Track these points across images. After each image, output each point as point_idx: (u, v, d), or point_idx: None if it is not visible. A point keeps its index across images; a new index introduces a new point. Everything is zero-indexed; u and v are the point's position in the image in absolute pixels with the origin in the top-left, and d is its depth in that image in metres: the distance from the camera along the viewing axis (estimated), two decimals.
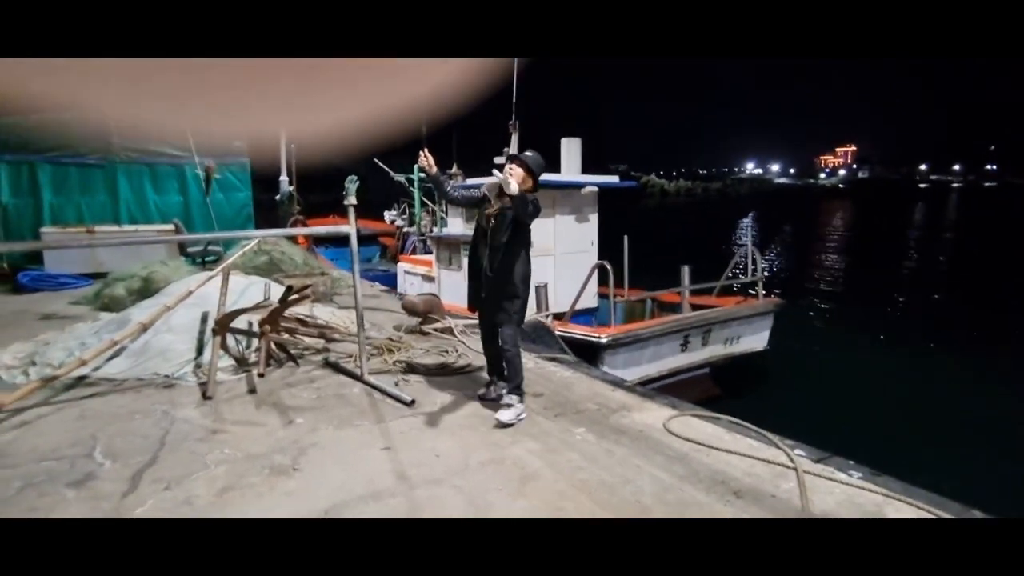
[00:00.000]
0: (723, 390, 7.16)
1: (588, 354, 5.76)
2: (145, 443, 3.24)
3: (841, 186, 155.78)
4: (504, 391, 3.68)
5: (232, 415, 3.64)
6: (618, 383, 4.35)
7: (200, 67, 0.40)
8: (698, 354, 6.87)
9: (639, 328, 6.32)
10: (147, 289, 6.33)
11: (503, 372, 3.81)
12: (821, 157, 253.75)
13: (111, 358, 4.39)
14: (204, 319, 4.71)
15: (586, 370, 4.69)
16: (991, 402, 7.30)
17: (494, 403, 3.79)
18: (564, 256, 7.99)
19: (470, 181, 8.31)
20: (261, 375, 4.18)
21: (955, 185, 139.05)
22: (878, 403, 7.32)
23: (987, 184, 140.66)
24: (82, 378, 4.19)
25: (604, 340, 5.92)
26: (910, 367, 8.86)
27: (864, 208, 53.82)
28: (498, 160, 11.71)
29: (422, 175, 10.96)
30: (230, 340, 4.54)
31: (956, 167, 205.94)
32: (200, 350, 4.49)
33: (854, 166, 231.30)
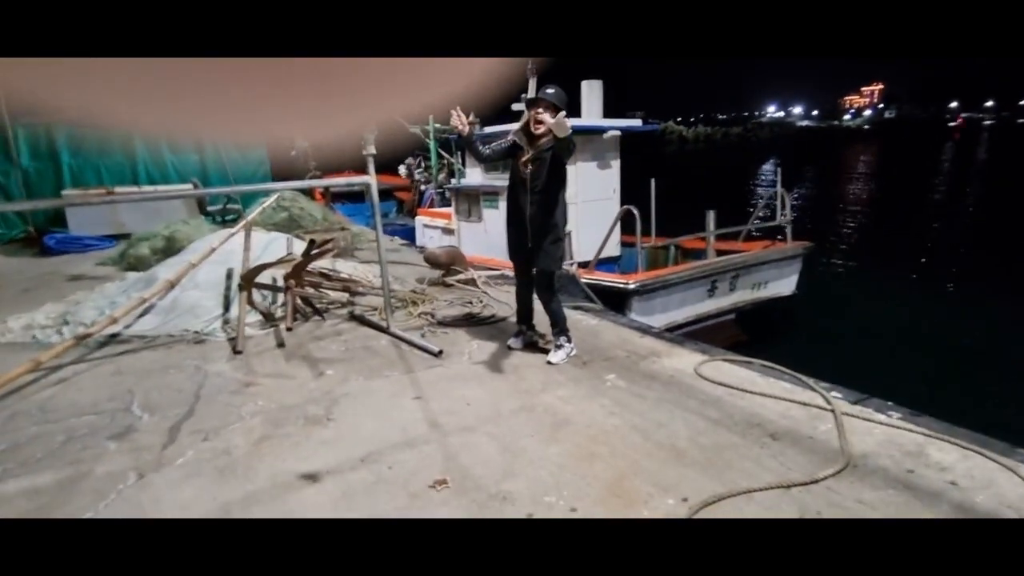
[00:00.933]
0: (750, 335, 7.09)
1: (615, 301, 5.70)
2: (180, 396, 3.28)
3: (867, 127, 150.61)
4: (553, 335, 3.74)
5: (263, 368, 3.68)
6: (646, 329, 4.30)
7: (217, 69, 0.35)
8: (726, 299, 6.77)
9: (667, 274, 6.22)
10: (171, 248, 6.36)
11: (529, 318, 3.83)
12: (846, 98, 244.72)
13: (141, 315, 4.43)
14: (229, 275, 4.72)
15: (613, 318, 4.64)
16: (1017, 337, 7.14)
17: (524, 351, 3.80)
18: (586, 204, 7.83)
19: (488, 129, 8.12)
20: (289, 329, 4.20)
21: (987, 123, 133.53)
22: (913, 345, 7.20)
23: (1021, 120, 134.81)
24: (114, 335, 4.25)
25: (632, 286, 5.84)
26: (941, 308, 8.67)
27: (889, 150, 52.01)
28: (516, 107, 11.41)
29: (439, 127, 10.72)
30: (256, 295, 4.55)
31: (989, 103, 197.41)
32: (227, 306, 4.52)
33: (880, 105, 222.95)
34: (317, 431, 2.84)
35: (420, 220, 10.29)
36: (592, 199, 7.90)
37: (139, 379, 3.55)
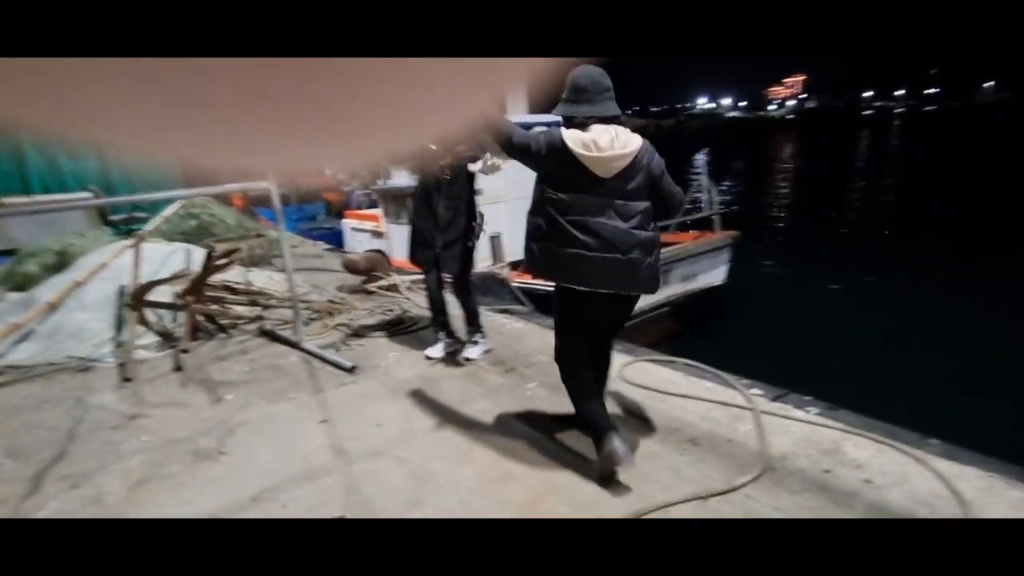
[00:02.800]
0: (684, 326, 7.14)
1: (547, 302, 5.58)
2: (52, 436, 2.92)
3: (790, 116, 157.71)
4: (470, 332, 3.74)
5: (154, 396, 3.34)
6: None
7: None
8: (660, 292, 6.75)
9: None
10: (63, 264, 5.78)
11: (446, 324, 3.75)
12: (771, 89, 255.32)
13: (18, 343, 3.98)
14: (121, 293, 4.31)
15: (539, 320, 4.50)
16: (941, 326, 7.47)
17: (443, 361, 3.63)
18: (517, 202, 7.68)
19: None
20: (185, 351, 3.86)
21: (897, 111, 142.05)
22: (835, 332, 7.41)
23: (927, 108, 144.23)
24: None
25: None
26: (863, 295, 9.00)
27: (810, 139, 54.53)
28: None
29: None
30: (152, 315, 4.17)
31: (899, 92, 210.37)
32: (119, 328, 4.12)
33: (804, 96, 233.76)
34: (206, 468, 2.56)
35: (347, 223, 9.91)
36: (522, 196, 7.70)
37: (6, 418, 3.15)
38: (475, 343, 3.72)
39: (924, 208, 16.20)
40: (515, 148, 2.35)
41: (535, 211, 2.42)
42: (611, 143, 2.27)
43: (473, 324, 3.73)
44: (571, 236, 2.27)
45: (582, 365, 2.48)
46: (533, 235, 2.40)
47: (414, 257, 3.69)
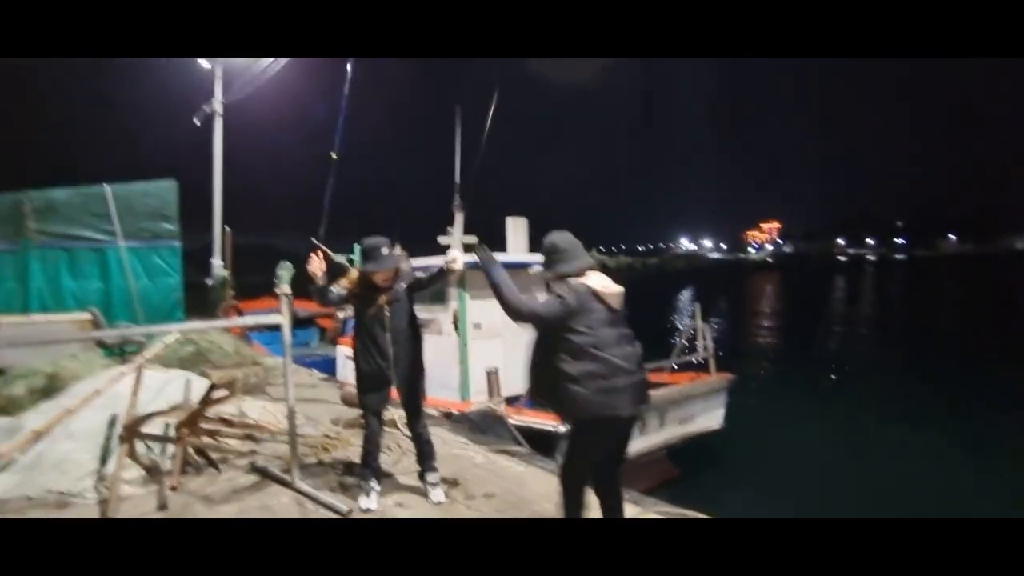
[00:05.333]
0: (681, 470, 6.94)
1: (543, 443, 5.46)
2: None
3: (769, 260, 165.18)
4: (428, 471, 3.65)
5: None
6: None
7: None
8: (657, 436, 6.66)
9: None
10: (53, 387, 5.65)
11: (379, 469, 3.67)
12: (749, 233, 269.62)
13: None
14: (113, 423, 4.18)
15: (540, 463, 4.39)
16: (935, 465, 7.38)
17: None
18: (513, 338, 7.78)
19: (415, 262, 8.11)
20: (174, 488, 3.67)
21: (869, 258, 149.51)
22: (836, 474, 7.26)
23: (897, 256, 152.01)
24: None
25: (562, 429, 5.64)
26: (859, 435, 8.94)
27: (790, 282, 56.72)
28: (442, 240, 11.63)
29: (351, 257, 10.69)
30: (141, 447, 4.02)
31: (869, 240, 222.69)
32: (105, 460, 3.94)
33: (780, 241, 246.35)
34: None
35: (341, 350, 9.89)
36: (519, 332, 7.85)
37: None
38: (435, 484, 3.63)
39: (904, 345, 16.57)
40: (532, 317, 2.62)
41: (556, 359, 2.55)
42: (609, 281, 2.66)
43: (432, 459, 3.65)
44: (605, 369, 2.48)
45: (586, 487, 2.66)
46: (565, 379, 2.50)
47: (366, 403, 3.55)
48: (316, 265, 3.44)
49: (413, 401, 3.56)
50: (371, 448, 3.55)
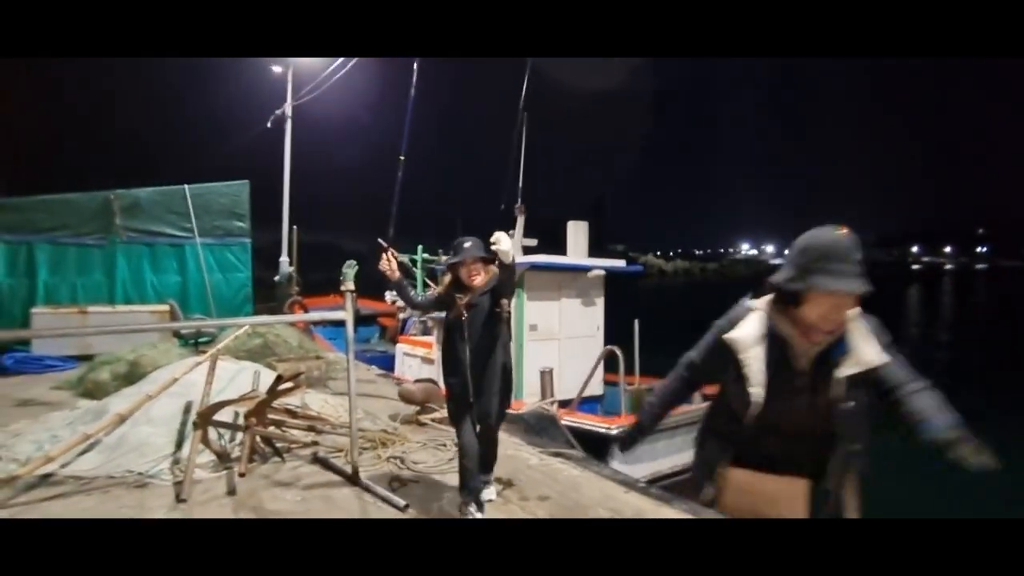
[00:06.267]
0: None
1: (596, 446, 5.41)
2: None
3: None
4: (485, 473, 3.49)
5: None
6: (631, 484, 4.00)
7: None
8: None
9: None
10: (133, 373, 6.05)
11: (469, 483, 3.27)
12: None
13: (83, 453, 4.06)
14: (187, 409, 4.42)
15: (596, 468, 4.34)
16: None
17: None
18: (569, 341, 7.76)
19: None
20: (242, 474, 3.84)
21: (948, 267, 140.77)
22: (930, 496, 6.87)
23: (978, 267, 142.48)
24: (48, 476, 3.85)
25: (615, 431, 5.58)
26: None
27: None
28: (496, 246, 11.66)
29: (427, 256, 10.87)
30: (212, 433, 4.22)
31: (947, 249, 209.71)
32: (180, 444, 4.17)
33: None
34: None
35: (400, 348, 10.11)
36: (576, 335, 7.84)
37: None
38: (488, 483, 3.58)
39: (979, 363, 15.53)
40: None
41: None
42: None
43: (491, 468, 3.55)
44: None
45: None
46: None
47: (452, 415, 3.33)
48: (385, 264, 3.31)
49: (484, 420, 3.24)
50: (466, 464, 3.23)
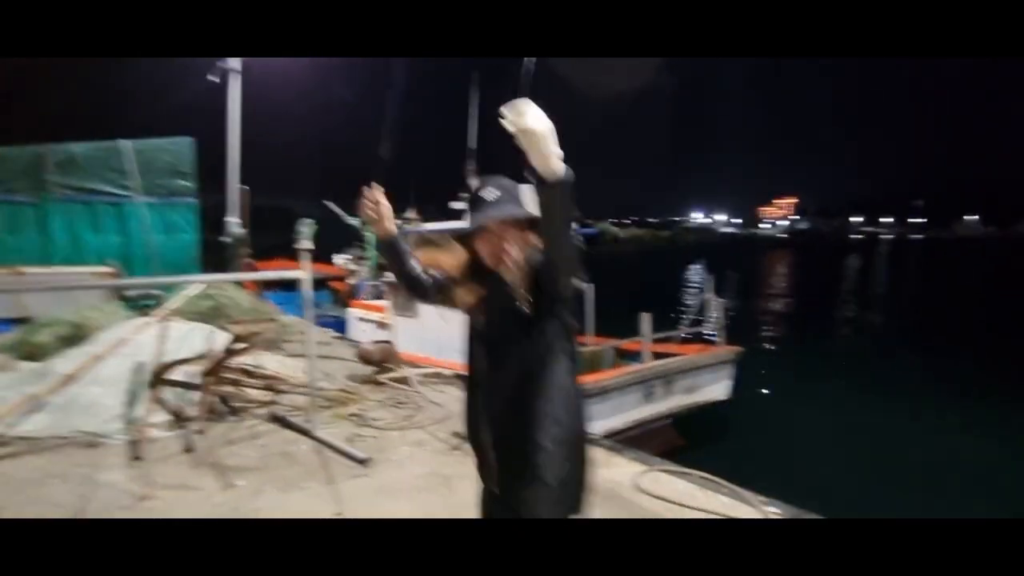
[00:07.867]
0: (688, 440, 7.07)
1: None
2: (58, 513, 2.86)
3: (782, 236, 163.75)
4: None
5: (164, 478, 3.29)
6: None
7: None
8: (663, 404, 6.77)
9: (603, 379, 6.19)
10: (77, 336, 5.83)
11: None
12: (763, 208, 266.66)
13: (28, 414, 3.95)
14: (138, 370, 4.34)
15: None
16: (945, 439, 7.49)
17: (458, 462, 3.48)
18: None
19: (428, 226, 8.15)
20: (200, 432, 3.84)
21: (884, 237, 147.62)
22: (844, 450, 7.37)
23: (913, 237, 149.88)
24: None
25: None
26: (864, 409, 9.02)
27: (804, 257, 56.25)
28: (456, 206, 11.56)
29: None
30: (166, 392, 4.18)
31: (886, 219, 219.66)
32: (132, 404, 4.11)
33: (795, 217, 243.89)
34: None
35: (354, 313, 10.04)
36: None
37: (12, 492, 3.09)
38: None
39: (914, 326, 16.56)
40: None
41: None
42: None
43: None
44: None
45: None
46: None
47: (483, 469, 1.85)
48: (371, 207, 1.76)
49: (515, 490, 1.69)
50: None
